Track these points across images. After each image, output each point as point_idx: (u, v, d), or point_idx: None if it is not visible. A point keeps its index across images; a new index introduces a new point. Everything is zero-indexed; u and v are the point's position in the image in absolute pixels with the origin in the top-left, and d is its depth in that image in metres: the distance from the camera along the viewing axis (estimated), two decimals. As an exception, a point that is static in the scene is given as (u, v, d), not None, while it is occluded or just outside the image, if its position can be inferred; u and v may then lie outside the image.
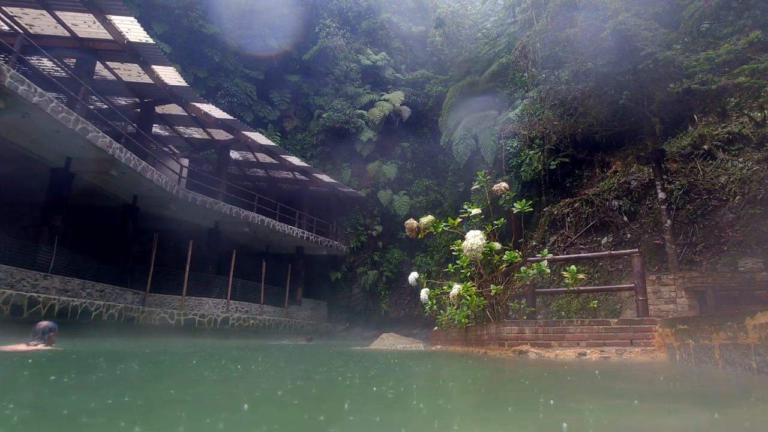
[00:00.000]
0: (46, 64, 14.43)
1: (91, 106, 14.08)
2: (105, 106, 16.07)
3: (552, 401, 2.04)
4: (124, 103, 16.99)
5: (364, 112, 25.14)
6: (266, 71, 26.20)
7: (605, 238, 10.87)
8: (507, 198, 5.76)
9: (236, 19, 25.10)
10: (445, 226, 5.75)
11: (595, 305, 8.90)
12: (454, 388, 2.73)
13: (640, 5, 7.60)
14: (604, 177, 12.12)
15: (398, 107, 25.46)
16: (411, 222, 6.00)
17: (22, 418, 1.50)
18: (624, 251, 6.77)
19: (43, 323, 5.07)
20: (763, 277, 7.07)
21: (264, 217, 19.34)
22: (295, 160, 21.40)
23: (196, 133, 20.03)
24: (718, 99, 7.56)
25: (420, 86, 26.63)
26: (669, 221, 8.40)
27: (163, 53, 14.05)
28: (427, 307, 7.66)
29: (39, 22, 12.54)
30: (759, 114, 9.13)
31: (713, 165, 10.25)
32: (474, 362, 4.54)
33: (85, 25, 12.47)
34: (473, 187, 6.74)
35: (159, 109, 17.30)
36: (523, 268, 5.09)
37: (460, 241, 5.35)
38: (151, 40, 12.98)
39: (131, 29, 12.43)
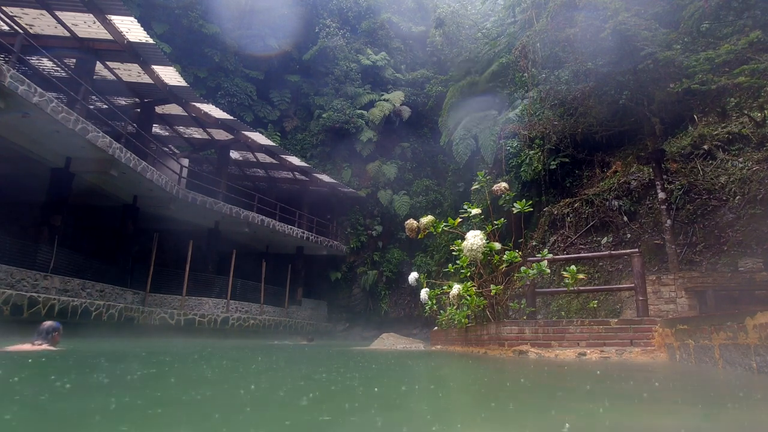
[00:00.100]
0: (46, 64, 14.43)
1: (91, 106, 14.07)
2: (105, 106, 16.07)
3: (552, 401, 2.04)
4: (124, 103, 16.99)
5: (364, 112, 25.14)
6: (266, 71, 26.20)
7: (605, 238, 10.87)
8: (507, 198, 5.75)
9: (236, 19, 25.10)
10: (445, 226, 5.75)
11: (595, 305, 8.91)
12: (455, 389, 2.73)
13: (640, 5, 7.60)
14: (604, 177, 12.12)
15: (398, 107, 25.46)
16: (411, 222, 6.00)
17: (16, 422, 1.50)
18: (624, 251, 6.77)
19: (47, 323, 5.06)
20: (763, 277, 7.07)
21: (264, 217, 19.34)
22: (295, 160, 21.40)
23: (196, 133, 20.03)
24: (718, 99, 7.56)
25: (420, 86, 26.63)
26: (669, 221, 8.40)
27: (163, 53, 14.05)
28: (427, 307, 7.66)
29: (39, 22, 12.54)
30: (759, 114, 9.13)
31: (713, 165, 10.25)
32: (474, 362, 4.54)
33: (85, 25, 12.47)
34: (473, 187, 6.74)
35: (159, 109, 17.30)
36: (523, 268, 5.09)
37: (460, 241, 5.35)
38: (151, 40, 12.98)
39: (131, 29, 12.43)
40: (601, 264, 10.32)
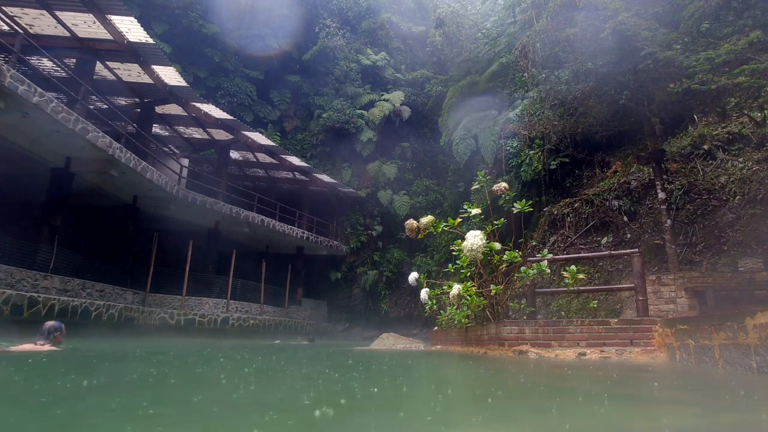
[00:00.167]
0: (46, 64, 14.43)
1: (91, 106, 14.07)
2: (105, 106, 16.07)
3: (552, 401, 2.04)
4: (124, 103, 16.99)
5: (364, 112, 25.14)
6: (266, 71, 26.20)
7: (605, 238, 10.87)
8: (507, 198, 5.75)
9: (236, 19, 25.10)
10: (445, 226, 5.75)
11: (595, 305, 8.91)
12: (455, 389, 2.73)
13: (640, 5, 7.60)
14: (604, 177, 12.12)
15: (398, 107, 25.46)
16: (411, 222, 6.00)
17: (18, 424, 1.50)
18: (624, 251, 6.77)
19: (49, 323, 5.05)
20: (763, 277, 7.07)
21: (264, 217, 19.34)
22: (295, 160, 21.40)
23: (196, 133, 20.03)
24: (718, 99, 7.56)
25: (420, 86, 26.63)
26: (669, 221, 8.40)
27: (163, 53, 14.06)
28: (427, 307, 7.66)
29: (39, 22, 12.54)
30: (759, 114, 9.13)
31: (713, 165, 10.25)
32: (474, 362, 4.54)
33: (85, 25, 12.47)
34: (473, 187, 6.74)
35: (159, 109, 17.30)
36: (523, 268, 5.09)
37: (460, 241, 5.35)
38: (151, 40, 12.98)
39: (131, 29, 12.43)
40: (601, 264, 10.32)
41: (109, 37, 12.75)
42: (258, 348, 8.51)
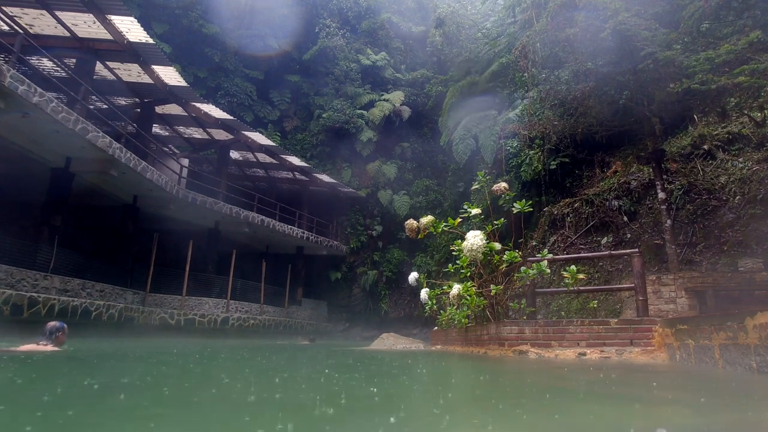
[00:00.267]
0: (46, 64, 14.43)
1: (91, 106, 14.08)
2: (105, 106, 16.07)
3: (553, 402, 2.04)
4: (124, 103, 16.99)
5: (364, 112, 25.14)
6: (266, 71, 26.20)
7: (605, 238, 10.87)
8: (507, 198, 5.76)
9: (236, 19, 25.10)
10: (445, 226, 5.76)
11: (595, 305, 8.91)
12: (455, 389, 2.73)
13: (640, 5, 7.60)
14: (604, 177, 12.12)
15: (398, 107, 25.46)
16: (411, 222, 6.00)
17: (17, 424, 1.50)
18: (624, 251, 6.77)
19: (52, 323, 5.04)
20: (763, 277, 7.07)
21: (264, 217, 19.34)
22: (295, 160, 21.40)
23: (196, 133, 20.03)
24: (718, 99, 7.56)
25: (420, 86, 26.63)
26: (669, 221, 8.40)
27: (163, 53, 14.05)
28: (427, 307, 7.66)
29: (39, 22, 12.54)
30: (759, 114, 9.14)
31: (713, 165, 10.25)
32: (474, 362, 4.54)
33: (85, 25, 12.47)
34: (473, 187, 6.74)
35: (159, 109, 17.30)
36: (523, 268, 5.09)
37: (460, 241, 5.35)
38: (151, 40, 12.98)
39: (131, 29, 12.43)
40: (601, 264, 10.32)
41: (109, 37, 12.75)
42: (261, 348, 8.52)
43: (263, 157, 21.90)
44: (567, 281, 5.01)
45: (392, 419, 1.56)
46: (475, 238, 4.99)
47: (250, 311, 17.89)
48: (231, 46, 24.56)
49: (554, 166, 13.04)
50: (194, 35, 23.55)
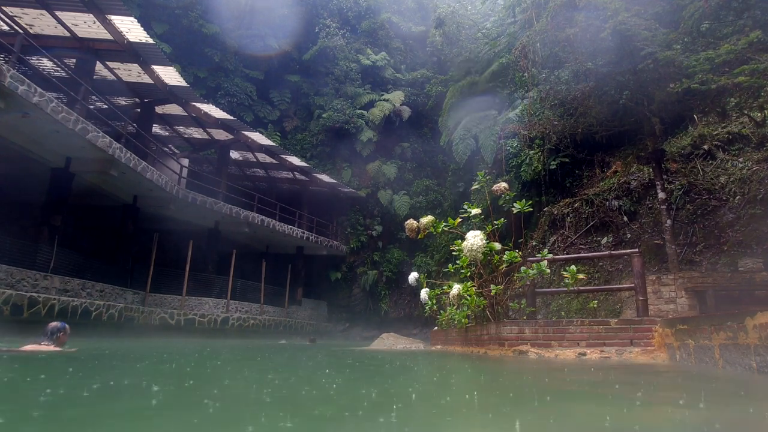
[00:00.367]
0: (46, 64, 14.43)
1: (91, 106, 14.08)
2: (105, 106, 16.07)
3: (553, 402, 2.04)
4: (124, 103, 17.00)
5: (364, 112, 25.14)
6: (266, 71, 26.21)
7: (605, 238, 10.87)
8: (507, 198, 5.76)
9: (236, 19, 25.10)
10: (445, 226, 5.76)
11: (595, 305, 8.91)
12: (455, 389, 2.73)
13: (640, 5, 7.60)
14: (604, 177, 12.12)
15: (398, 107, 25.46)
16: (411, 222, 6.01)
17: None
18: (624, 251, 6.77)
19: (53, 324, 5.03)
20: (763, 277, 7.07)
21: (264, 217, 19.34)
22: (295, 160, 21.40)
23: (196, 133, 20.04)
24: (718, 99, 7.56)
25: (420, 86, 26.63)
26: (669, 221, 8.40)
27: (163, 53, 14.05)
28: (427, 307, 7.66)
29: (39, 22, 12.54)
30: (759, 114, 9.14)
31: (713, 165, 10.25)
32: (474, 362, 4.54)
33: (85, 25, 12.47)
34: (473, 187, 6.74)
35: (159, 109, 17.30)
36: (523, 268, 5.09)
37: (460, 241, 5.35)
38: (151, 40, 12.98)
39: (131, 29, 12.43)
40: (601, 264, 10.32)
41: (109, 37, 12.75)
42: (261, 348, 8.52)
43: (263, 157, 21.90)
44: (567, 281, 5.01)
45: (392, 419, 1.56)
46: (475, 238, 4.99)
47: (250, 311, 17.89)
48: (231, 46, 24.56)
49: (554, 166, 13.04)
50: (194, 35, 23.56)
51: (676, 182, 10.34)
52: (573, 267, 5.04)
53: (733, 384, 2.52)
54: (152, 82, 15.03)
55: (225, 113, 17.61)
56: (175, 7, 22.91)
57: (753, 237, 8.51)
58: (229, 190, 19.21)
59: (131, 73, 14.94)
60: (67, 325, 5.09)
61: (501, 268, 5.39)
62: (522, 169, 13.95)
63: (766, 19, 6.27)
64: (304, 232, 21.44)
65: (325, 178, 22.93)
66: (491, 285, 5.48)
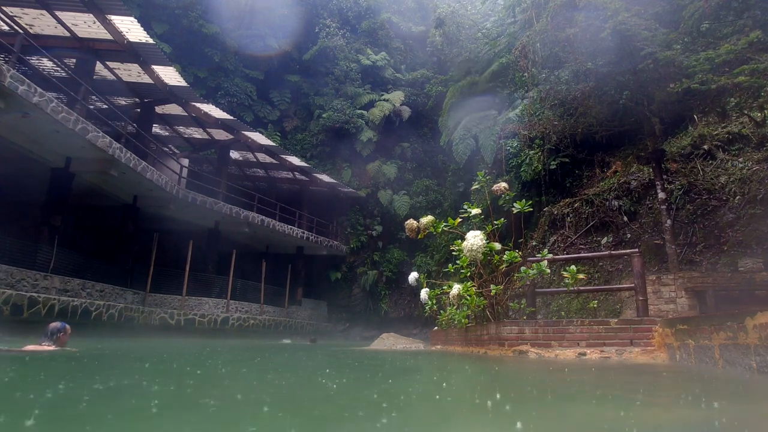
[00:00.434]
0: (46, 64, 14.43)
1: (91, 106, 14.07)
2: (105, 106, 16.07)
3: (553, 402, 2.04)
4: (124, 103, 17.00)
5: (364, 112, 25.14)
6: (266, 71, 26.20)
7: (605, 238, 10.87)
8: (507, 198, 5.76)
9: (236, 19, 25.10)
10: (445, 226, 5.76)
11: (595, 305, 8.91)
12: (455, 389, 2.73)
13: (640, 5, 7.60)
14: (604, 177, 12.12)
15: (398, 107, 25.46)
16: (411, 222, 6.01)
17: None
18: (624, 251, 6.77)
19: (54, 324, 5.02)
20: (763, 277, 7.08)
21: (264, 217, 19.34)
22: (295, 160, 21.40)
23: (196, 133, 20.03)
24: (718, 99, 7.57)
25: (420, 86, 26.63)
26: (669, 221, 8.40)
27: (163, 53, 14.05)
28: (427, 307, 7.66)
29: (39, 22, 12.54)
30: (759, 114, 9.14)
31: (713, 165, 10.25)
32: (474, 362, 4.54)
33: (85, 25, 12.47)
34: (473, 187, 6.74)
35: (159, 109, 17.30)
36: (523, 268, 5.09)
37: (460, 241, 5.35)
38: (151, 40, 12.98)
39: (131, 29, 12.43)
40: (601, 264, 10.32)
41: (109, 37, 12.75)
42: (261, 348, 8.51)
43: (263, 157, 21.90)
44: (567, 281, 5.01)
45: (392, 419, 1.56)
46: (475, 238, 4.99)
47: (250, 311, 17.89)
48: (231, 46, 24.56)
49: (554, 166, 13.04)
50: (194, 35, 23.55)
51: (676, 182, 10.34)
52: (573, 267, 5.04)
53: (733, 384, 2.52)
54: (152, 82, 15.03)
55: (225, 113, 17.61)
56: (175, 7, 22.91)
57: (753, 237, 8.51)
58: (229, 190, 19.21)
59: (131, 73, 14.94)
60: (67, 326, 5.08)
61: (501, 268, 5.39)
62: (522, 169, 13.95)
63: (766, 19, 6.27)
64: (304, 232, 21.44)
65: (325, 178, 22.93)
66: (491, 285, 5.48)
